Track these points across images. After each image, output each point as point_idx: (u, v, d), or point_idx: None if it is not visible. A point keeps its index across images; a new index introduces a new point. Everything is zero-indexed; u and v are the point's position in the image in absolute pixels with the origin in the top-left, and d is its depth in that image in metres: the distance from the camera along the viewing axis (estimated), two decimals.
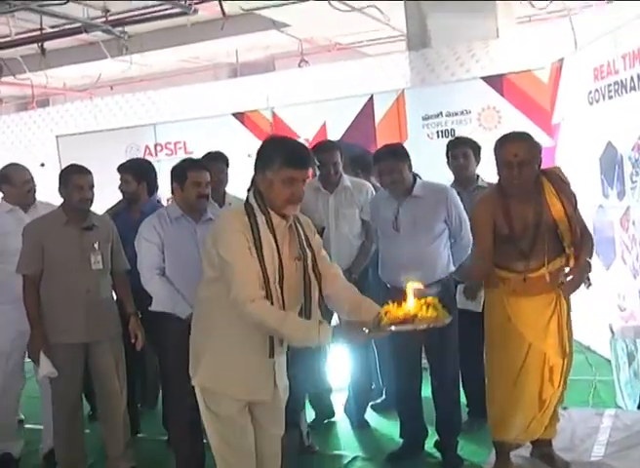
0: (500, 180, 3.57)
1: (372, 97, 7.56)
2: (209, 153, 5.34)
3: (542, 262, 3.51)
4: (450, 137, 7.21)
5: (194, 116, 8.45)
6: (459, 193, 4.51)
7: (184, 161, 4.17)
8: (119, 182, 5.04)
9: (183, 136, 8.43)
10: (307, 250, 3.05)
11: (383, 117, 7.51)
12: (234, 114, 8.22)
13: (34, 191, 4.69)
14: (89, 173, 4.24)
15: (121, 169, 5.05)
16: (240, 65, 9.31)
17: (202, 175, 4.05)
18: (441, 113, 7.28)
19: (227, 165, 5.33)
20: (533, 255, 3.51)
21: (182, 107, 8.54)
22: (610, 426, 4.03)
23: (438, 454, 4.39)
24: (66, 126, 9.13)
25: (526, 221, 3.51)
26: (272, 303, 2.87)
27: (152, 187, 5.12)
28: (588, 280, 3.55)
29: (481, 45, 7.24)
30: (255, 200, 2.97)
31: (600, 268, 5.80)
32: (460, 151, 4.85)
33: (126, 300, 4.35)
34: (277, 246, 2.93)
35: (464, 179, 4.83)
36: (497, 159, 3.54)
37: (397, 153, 4.28)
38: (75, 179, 4.15)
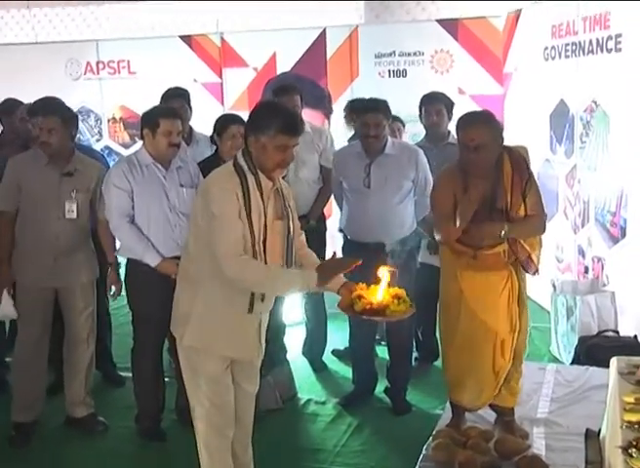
0: (460, 158, 3.62)
1: (324, 30, 7.49)
2: (167, 91, 5.23)
3: (496, 240, 3.54)
4: (401, 78, 7.32)
5: (139, 35, 8.18)
6: (430, 149, 4.62)
7: (157, 107, 4.10)
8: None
9: (128, 56, 8.20)
10: (289, 211, 3.16)
11: (335, 52, 7.49)
12: (181, 37, 8.01)
13: None
14: (50, 113, 4.00)
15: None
16: None
17: (174, 123, 3.99)
18: (394, 52, 7.30)
19: (188, 101, 5.24)
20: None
21: (127, 25, 8.23)
22: (552, 381, 4.30)
23: (388, 400, 4.62)
24: (1, 34, 8.68)
25: (482, 199, 3.55)
26: None
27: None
28: (536, 269, 3.66)
29: None
30: (244, 161, 3.02)
31: None
32: (434, 108, 4.89)
33: (107, 249, 4.25)
34: (264, 206, 3.02)
35: (436, 136, 4.90)
36: (457, 138, 3.59)
37: (384, 108, 4.31)
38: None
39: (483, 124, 3.50)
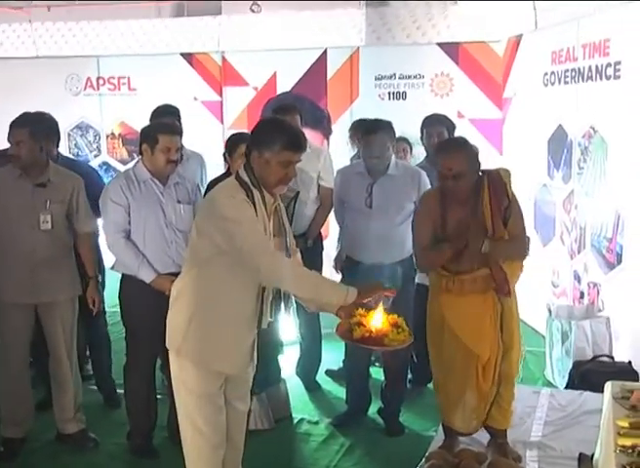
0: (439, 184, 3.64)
1: (325, 51, 7.54)
2: (157, 108, 5.23)
3: (473, 265, 3.56)
4: (401, 100, 7.36)
5: (140, 52, 8.21)
6: (431, 170, 4.63)
7: (156, 123, 4.10)
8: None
9: (128, 72, 8.27)
10: (286, 228, 3.18)
11: (336, 73, 7.54)
12: (182, 54, 8.06)
13: None
14: (19, 126, 3.97)
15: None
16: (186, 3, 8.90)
17: (174, 140, 4.00)
18: (394, 75, 7.35)
19: (178, 117, 5.24)
20: (464, 257, 3.56)
21: (128, 42, 8.25)
22: (546, 405, 4.29)
23: (381, 421, 4.59)
24: (2, 48, 8.69)
25: (460, 223, 3.56)
26: None
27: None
28: (509, 291, 3.61)
29: (439, 10, 7.26)
30: (247, 176, 3.01)
31: (538, 244, 6.06)
32: (436, 131, 4.92)
33: (86, 263, 4.21)
34: (268, 221, 3.04)
35: None
36: (436, 164, 3.63)
37: (389, 129, 4.33)
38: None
39: (459, 152, 3.53)
